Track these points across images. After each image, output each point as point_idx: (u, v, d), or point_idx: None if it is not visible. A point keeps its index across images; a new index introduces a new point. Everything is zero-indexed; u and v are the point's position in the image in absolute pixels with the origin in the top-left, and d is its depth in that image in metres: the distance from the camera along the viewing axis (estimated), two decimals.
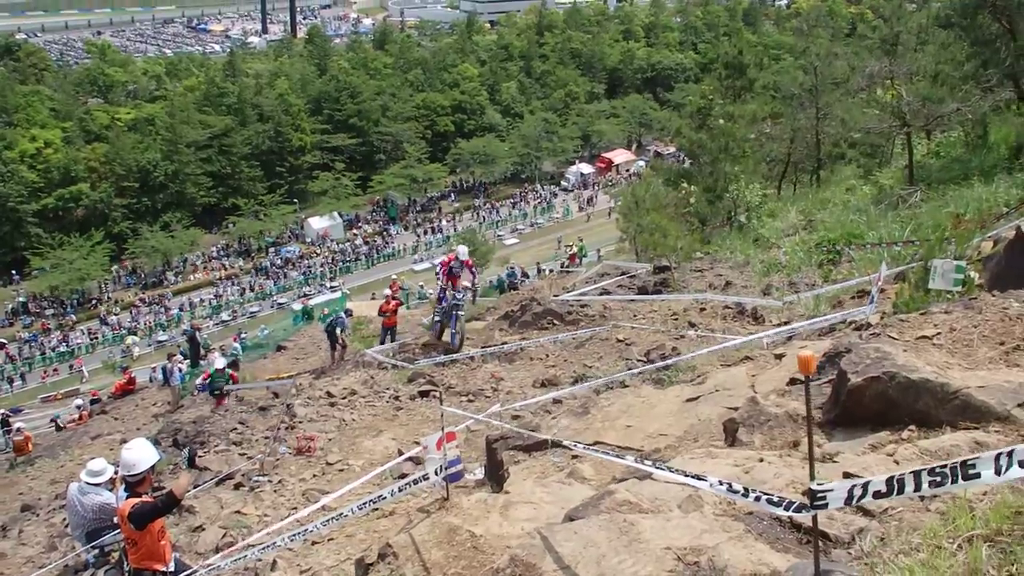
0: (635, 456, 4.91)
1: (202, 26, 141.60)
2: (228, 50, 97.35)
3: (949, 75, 24.61)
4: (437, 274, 17.35)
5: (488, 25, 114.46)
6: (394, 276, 40.07)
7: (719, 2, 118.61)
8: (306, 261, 65.77)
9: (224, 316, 57.89)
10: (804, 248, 17.60)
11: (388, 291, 22.51)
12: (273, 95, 73.55)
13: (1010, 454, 2.58)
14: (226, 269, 64.67)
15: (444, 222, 72.36)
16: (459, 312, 16.70)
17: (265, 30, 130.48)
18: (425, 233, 70.39)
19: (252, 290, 61.72)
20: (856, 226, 17.61)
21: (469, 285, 17.50)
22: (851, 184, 26.72)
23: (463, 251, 17.78)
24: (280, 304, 58.73)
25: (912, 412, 4.52)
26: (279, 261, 65.61)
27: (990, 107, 22.29)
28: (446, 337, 17.15)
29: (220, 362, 18.46)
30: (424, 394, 13.96)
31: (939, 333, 5.20)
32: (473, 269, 17.74)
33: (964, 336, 5.16)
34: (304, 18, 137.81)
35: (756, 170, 30.74)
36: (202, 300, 60.21)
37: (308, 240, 68.76)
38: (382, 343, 19.95)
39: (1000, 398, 4.31)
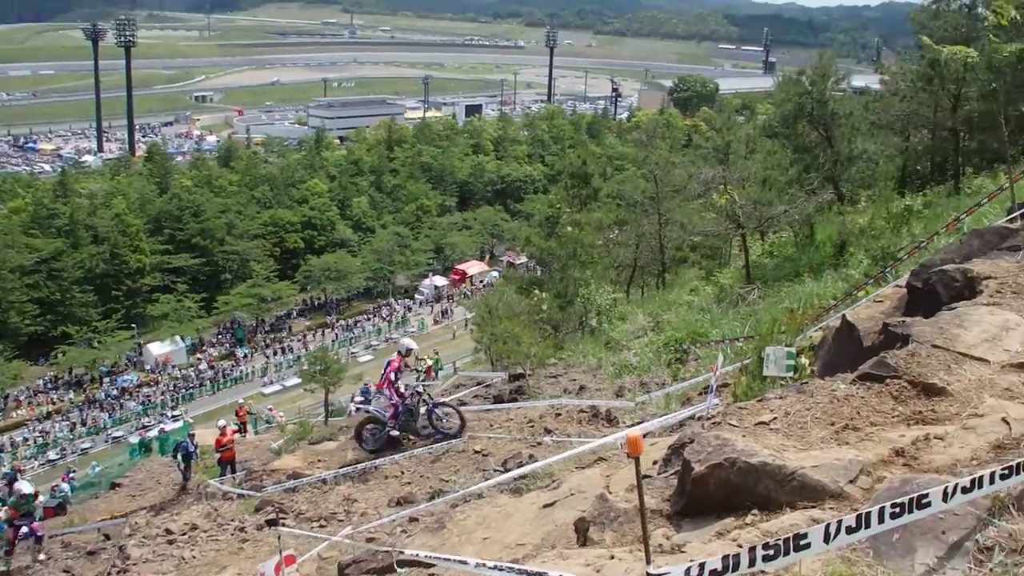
0: (479, 562, 4.65)
1: (30, 145, 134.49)
2: (59, 169, 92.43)
3: (776, 179, 27.00)
4: (391, 379, 15.08)
5: (337, 141, 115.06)
6: (240, 400, 38.28)
7: (564, 116, 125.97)
8: (145, 390, 61.45)
9: (51, 455, 52.60)
10: (653, 348, 18.19)
11: (222, 422, 21.88)
12: (109, 215, 69.89)
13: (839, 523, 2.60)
14: (54, 403, 59.26)
15: (295, 342, 70.27)
16: (425, 400, 15.39)
17: (101, 148, 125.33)
18: (275, 354, 67.95)
19: (84, 424, 56.68)
20: (700, 325, 18.47)
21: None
22: (694, 285, 28.13)
23: (411, 344, 16.01)
24: (115, 438, 54.28)
25: (754, 496, 4.56)
26: (115, 392, 60.91)
27: (814, 208, 24.41)
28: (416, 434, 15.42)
29: (27, 487, 16.95)
30: (272, 523, 13.10)
31: (775, 418, 5.36)
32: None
33: (798, 419, 5.33)
34: (144, 136, 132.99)
35: (604, 275, 31.96)
36: (26, 439, 54.48)
37: (147, 367, 64.52)
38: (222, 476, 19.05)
39: (833, 476, 4.44)
